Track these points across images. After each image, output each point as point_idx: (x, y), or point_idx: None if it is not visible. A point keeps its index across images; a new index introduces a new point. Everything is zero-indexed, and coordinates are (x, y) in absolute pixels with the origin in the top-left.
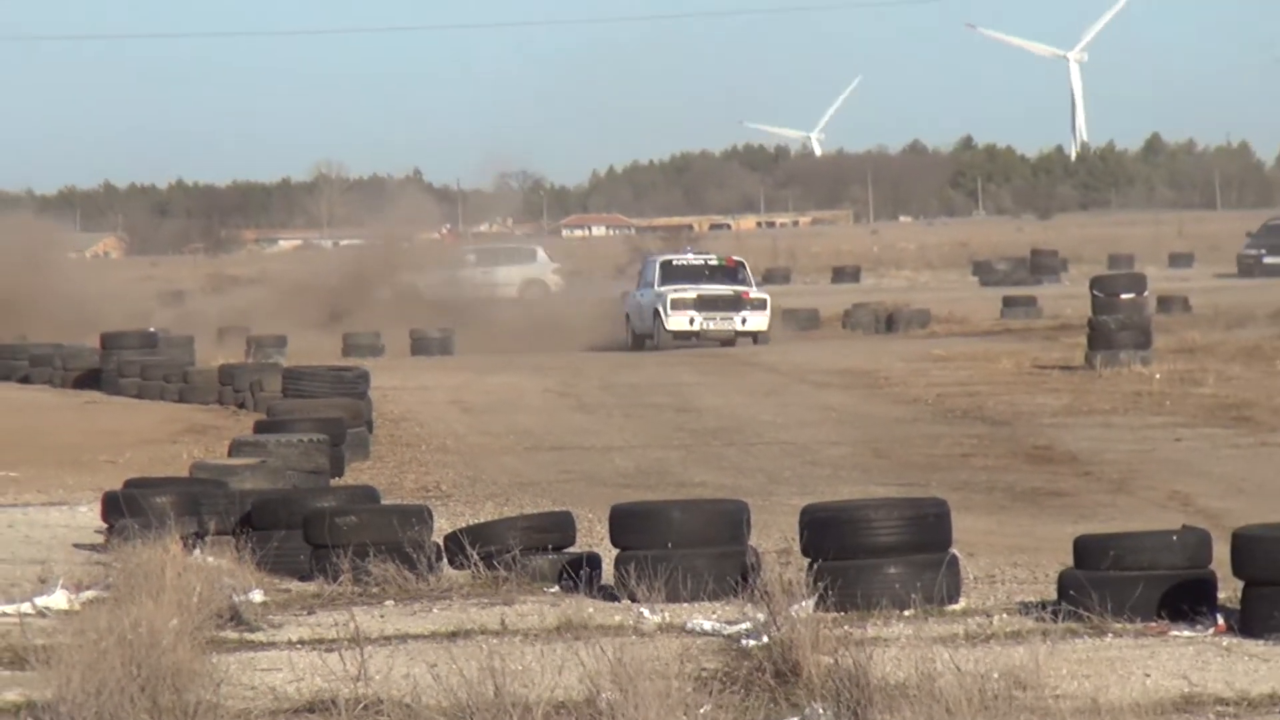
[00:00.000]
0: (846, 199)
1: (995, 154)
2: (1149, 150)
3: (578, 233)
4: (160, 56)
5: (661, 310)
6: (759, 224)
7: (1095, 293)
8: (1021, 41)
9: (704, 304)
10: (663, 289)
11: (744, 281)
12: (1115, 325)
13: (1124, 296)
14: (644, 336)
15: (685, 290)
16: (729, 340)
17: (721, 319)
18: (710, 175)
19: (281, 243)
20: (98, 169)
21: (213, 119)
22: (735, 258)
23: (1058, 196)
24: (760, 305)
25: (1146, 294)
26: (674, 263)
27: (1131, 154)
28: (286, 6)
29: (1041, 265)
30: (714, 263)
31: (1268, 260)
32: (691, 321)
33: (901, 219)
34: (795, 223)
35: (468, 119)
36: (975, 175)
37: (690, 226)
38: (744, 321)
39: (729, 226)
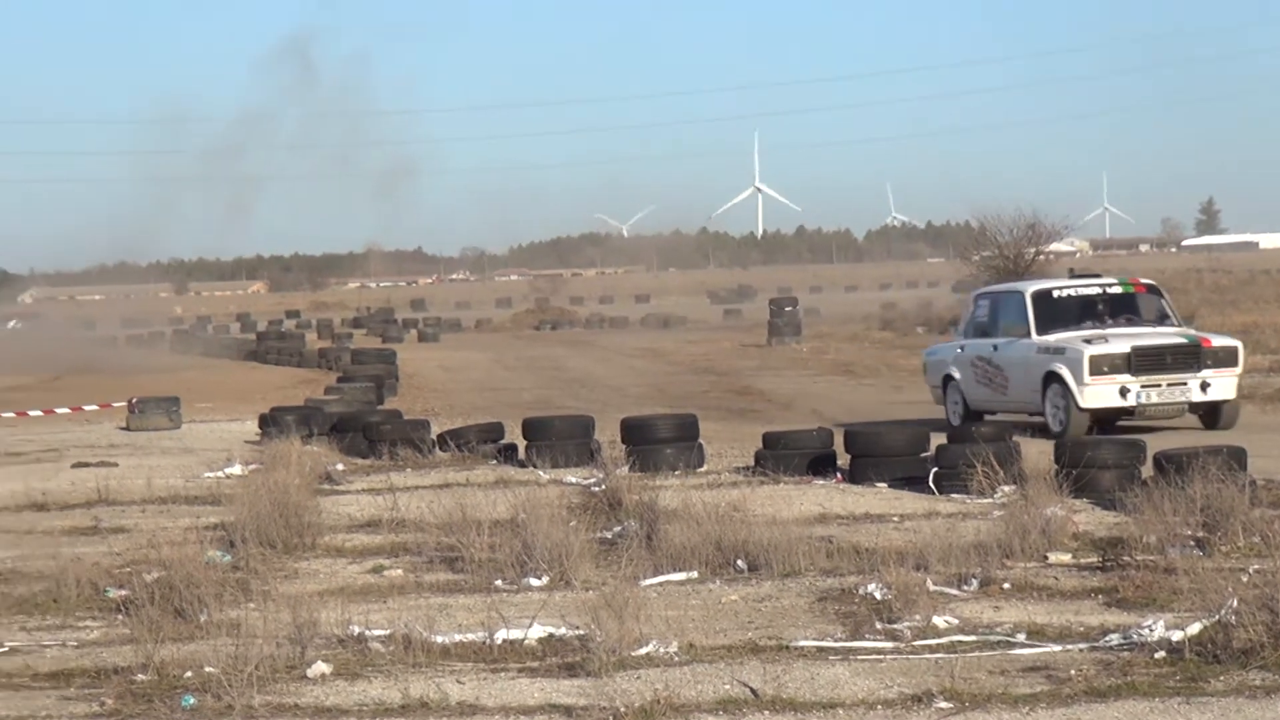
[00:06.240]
0: (641, 262)
1: (722, 238)
2: (798, 235)
3: (502, 279)
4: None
5: (1069, 376)
6: (599, 273)
7: (772, 306)
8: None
9: (1143, 361)
10: (1055, 339)
11: (1167, 319)
12: (782, 323)
13: (787, 309)
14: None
15: (1107, 341)
16: (1175, 415)
17: (1170, 386)
18: (571, 251)
19: (350, 285)
20: (248, 246)
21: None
22: (1144, 280)
23: (753, 258)
24: (1227, 359)
25: (799, 307)
26: (1054, 295)
27: (787, 236)
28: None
29: (751, 294)
30: (1115, 290)
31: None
32: (1124, 393)
33: (671, 270)
34: (615, 272)
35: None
36: (712, 248)
37: (561, 275)
38: (1204, 388)
39: (580, 274)
